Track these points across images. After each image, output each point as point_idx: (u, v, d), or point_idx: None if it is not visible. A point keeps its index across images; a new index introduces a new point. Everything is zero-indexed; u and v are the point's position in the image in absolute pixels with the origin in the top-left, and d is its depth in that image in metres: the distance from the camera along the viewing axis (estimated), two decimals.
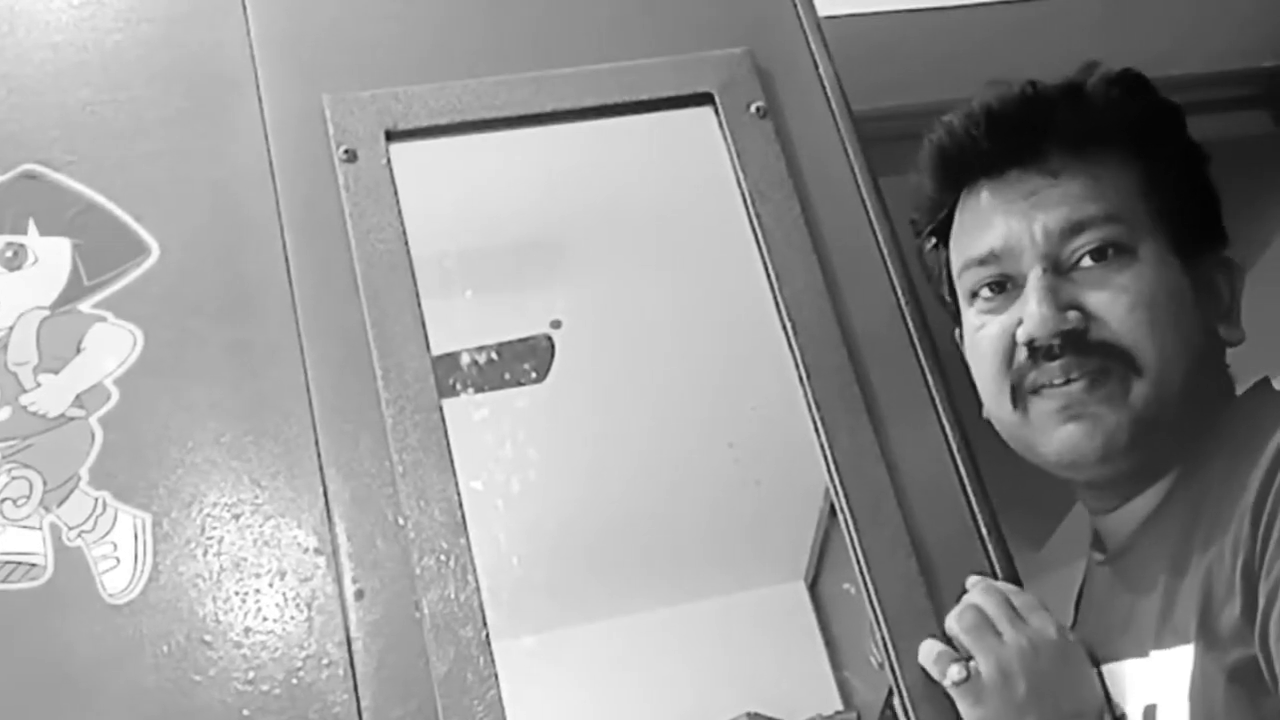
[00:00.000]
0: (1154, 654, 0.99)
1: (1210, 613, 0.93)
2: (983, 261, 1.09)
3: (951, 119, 1.12)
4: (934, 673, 1.08)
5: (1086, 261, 1.05)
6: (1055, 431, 1.05)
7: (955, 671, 1.05)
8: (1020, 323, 1.06)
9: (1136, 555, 1.07)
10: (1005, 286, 1.09)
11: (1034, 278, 1.05)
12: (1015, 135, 1.08)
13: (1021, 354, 1.06)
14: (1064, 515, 2.70)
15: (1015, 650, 1.04)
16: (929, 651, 1.09)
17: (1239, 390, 1.09)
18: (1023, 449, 1.10)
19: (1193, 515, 1.00)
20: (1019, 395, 1.08)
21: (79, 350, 1.14)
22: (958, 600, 1.12)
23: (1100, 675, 1.06)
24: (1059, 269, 1.05)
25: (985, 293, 1.10)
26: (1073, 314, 1.04)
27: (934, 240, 1.18)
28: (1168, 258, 1.06)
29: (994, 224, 1.08)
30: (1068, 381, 1.04)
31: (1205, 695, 0.93)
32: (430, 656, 1.07)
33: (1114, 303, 1.03)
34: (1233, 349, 1.10)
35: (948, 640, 1.10)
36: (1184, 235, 1.07)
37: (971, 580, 1.13)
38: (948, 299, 1.18)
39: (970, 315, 1.13)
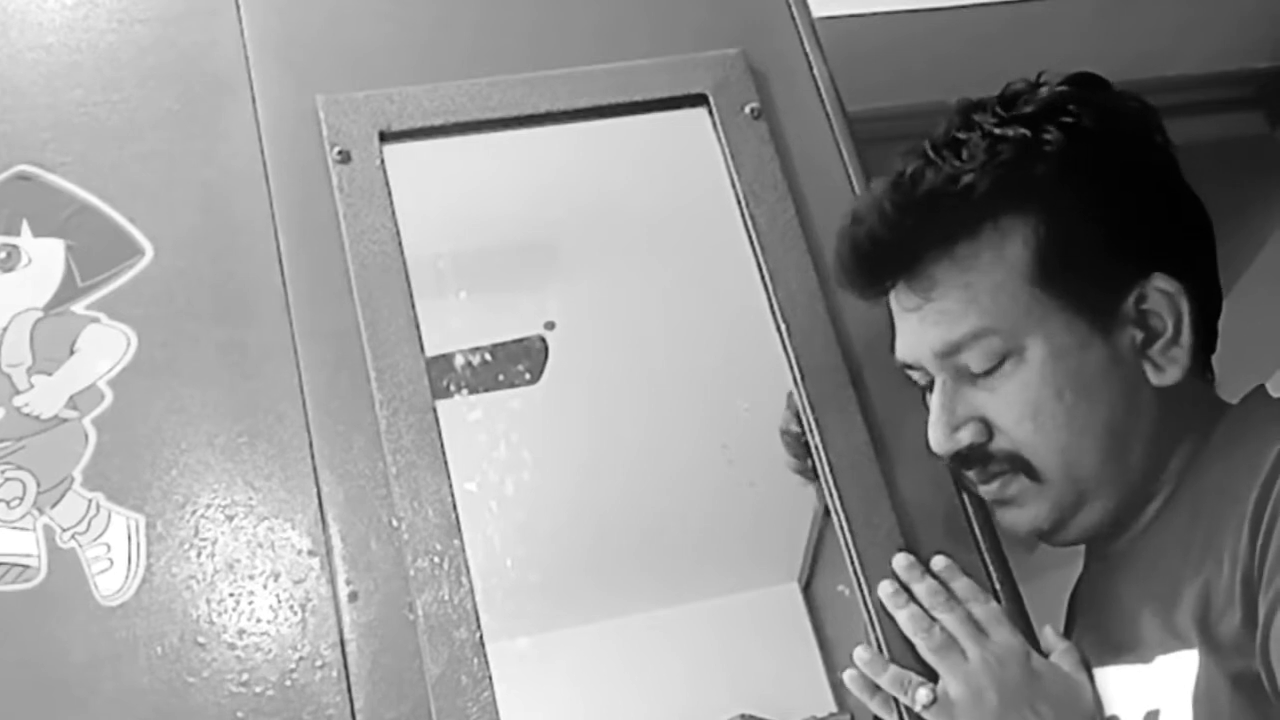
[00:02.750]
0: (1156, 660, 0.99)
1: (1211, 621, 0.93)
2: (905, 367, 1.12)
3: (837, 244, 1.11)
4: (902, 698, 1.09)
5: (978, 368, 1.05)
6: (995, 513, 1.12)
7: (924, 695, 1.07)
8: None
9: (1133, 562, 1.07)
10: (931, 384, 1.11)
11: (935, 390, 1.08)
12: (883, 267, 1.09)
13: None
14: None
15: (981, 665, 1.06)
16: (894, 679, 1.09)
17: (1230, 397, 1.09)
18: None
19: (1189, 524, 1.00)
20: (958, 481, 1.16)
21: (72, 351, 1.14)
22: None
23: (1092, 680, 1.06)
24: (960, 376, 1.07)
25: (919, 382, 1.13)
26: (968, 429, 1.07)
27: None
28: (1063, 338, 1.03)
29: (902, 335, 1.11)
30: (986, 481, 1.09)
31: (1210, 701, 0.93)
32: (424, 658, 1.07)
33: (1006, 413, 1.05)
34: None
35: (911, 648, 1.10)
36: (1097, 282, 1.03)
37: (898, 561, 1.14)
38: None
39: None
